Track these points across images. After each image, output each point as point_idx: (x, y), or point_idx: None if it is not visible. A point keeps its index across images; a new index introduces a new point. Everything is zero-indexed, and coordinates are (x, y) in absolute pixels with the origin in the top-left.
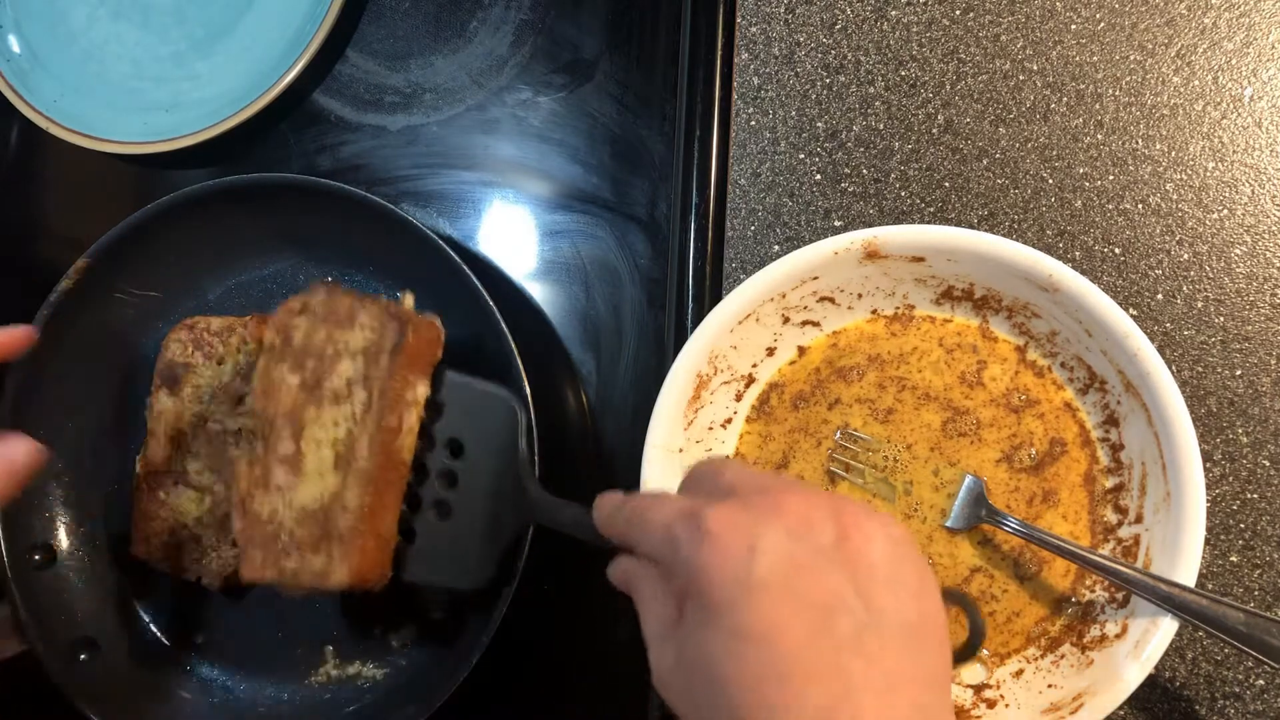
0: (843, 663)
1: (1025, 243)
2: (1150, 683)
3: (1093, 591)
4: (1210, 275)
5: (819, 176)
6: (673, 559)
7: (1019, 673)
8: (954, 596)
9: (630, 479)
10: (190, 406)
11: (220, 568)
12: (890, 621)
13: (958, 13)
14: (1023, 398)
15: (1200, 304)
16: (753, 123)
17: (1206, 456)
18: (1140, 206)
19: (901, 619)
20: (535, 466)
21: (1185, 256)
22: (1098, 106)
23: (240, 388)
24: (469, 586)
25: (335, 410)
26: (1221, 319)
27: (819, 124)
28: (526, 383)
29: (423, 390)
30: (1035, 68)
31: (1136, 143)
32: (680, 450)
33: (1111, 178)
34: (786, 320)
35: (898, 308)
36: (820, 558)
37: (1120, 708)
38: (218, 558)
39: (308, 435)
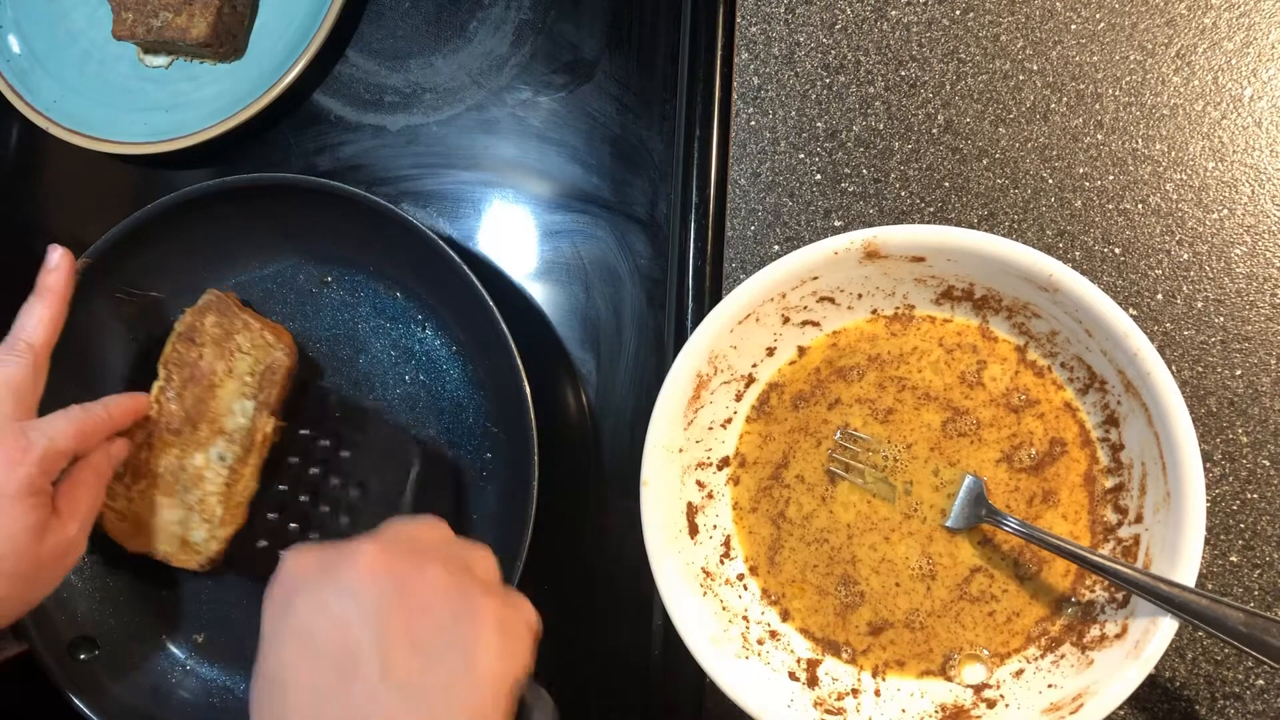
0: None
1: (1025, 243)
2: (1150, 683)
3: (1093, 591)
4: (1210, 275)
5: (819, 176)
6: None
7: (1019, 673)
8: (532, 689)
9: (630, 479)
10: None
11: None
12: (409, 692)
13: (958, 13)
14: (1023, 398)
15: (1200, 304)
16: (753, 123)
17: (1206, 456)
18: (1140, 206)
19: (422, 694)
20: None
21: (1185, 256)
22: (1098, 106)
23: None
24: None
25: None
26: (1221, 319)
27: (819, 124)
28: (526, 383)
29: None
30: (1035, 68)
31: (1136, 143)
32: (680, 450)
33: (1111, 178)
34: (786, 320)
35: (898, 308)
36: (362, 613)
37: (1120, 708)
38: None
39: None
